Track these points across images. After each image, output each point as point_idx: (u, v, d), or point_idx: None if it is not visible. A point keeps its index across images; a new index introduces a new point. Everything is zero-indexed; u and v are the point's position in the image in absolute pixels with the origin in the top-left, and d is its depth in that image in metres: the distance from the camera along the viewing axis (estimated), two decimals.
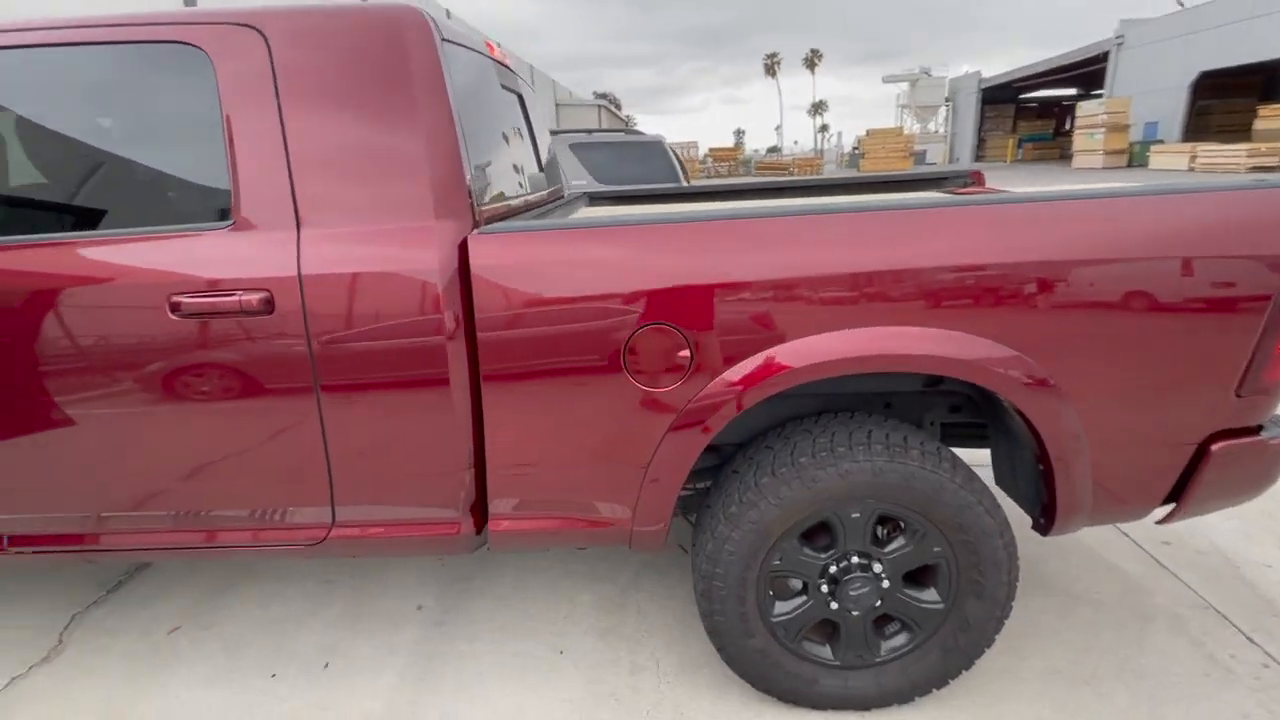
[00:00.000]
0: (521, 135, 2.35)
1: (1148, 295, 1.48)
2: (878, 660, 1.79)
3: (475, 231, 1.55)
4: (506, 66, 2.27)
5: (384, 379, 1.58)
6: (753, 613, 1.73)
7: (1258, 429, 1.62)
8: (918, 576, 1.76)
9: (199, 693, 1.99)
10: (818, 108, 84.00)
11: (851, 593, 1.70)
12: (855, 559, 1.70)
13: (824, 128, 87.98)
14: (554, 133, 6.48)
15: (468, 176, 1.60)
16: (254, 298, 1.52)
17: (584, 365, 1.55)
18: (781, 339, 1.51)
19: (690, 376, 1.54)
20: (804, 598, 1.75)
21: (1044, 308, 1.48)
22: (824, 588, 1.72)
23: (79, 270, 1.57)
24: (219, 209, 1.58)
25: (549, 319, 1.52)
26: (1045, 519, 1.73)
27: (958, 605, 1.72)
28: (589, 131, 6.57)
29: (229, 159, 1.55)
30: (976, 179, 3.05)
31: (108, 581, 2.54)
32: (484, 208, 1.70)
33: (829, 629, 1.80)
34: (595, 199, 3.14)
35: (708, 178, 41.86)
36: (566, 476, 1.67)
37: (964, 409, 2.00)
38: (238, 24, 1.54)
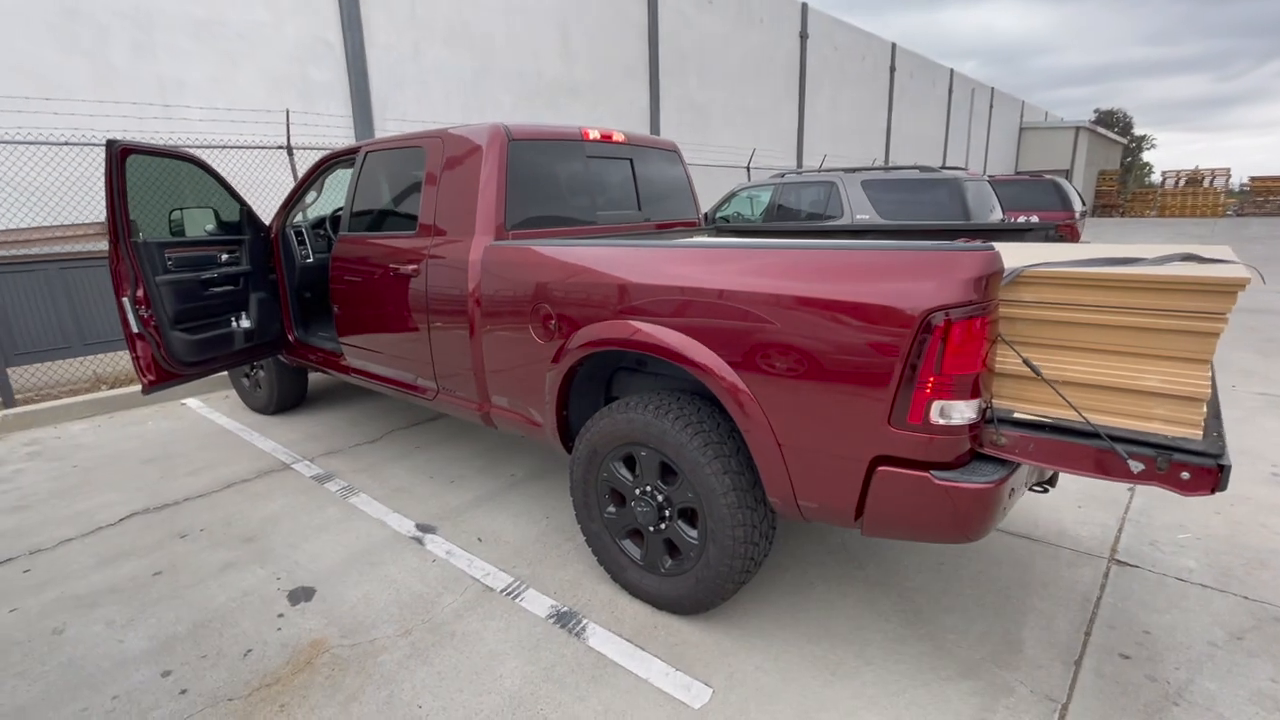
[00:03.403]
0: (613, 186, 3.51)
1: (810, 331, 1.87)
2: (662, 571, 2.45)
3: (491, 242, 2.86)
4: (610, 141, 3.46)
5: (452, 319, 3.03)
6: (593, 505, 2.61)
7: (927, 465, 1.76)
8: (694, 518, 2.36)
9: (407, 478, 3.84)
10: None
11: (638, 509, 2.43)
12: (648, 488, 2.42)
13: None
14: (850, 170, 7.04)
15: (501, 215, 2.91)
16: (412, 267, 3.16)
17: (516, 323, 2.71)
18: (590, 321, 2.41)
19: (554, 335, 2.56)
20: (622, 507, 2.54)
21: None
22: (632, 505, 2.49)
23: (381, 248, 3.45)
24: (413, 222, 3.26)
25: (506, 292, 2.74)
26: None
27: (707, 546, 2.27)
28: (885, 169, 6.88)
29: (422, 199, 3.21)
30: (1067, 232, 2.84)
31: (419, 420, 4.72)
32: (516, 230, 2.97)
33: (642, 537, 2.54)
34: (721, 231, 4.00)
35: (1237, 216, 31.77)
36: (513, 390, 2.86)
37: None
38: (434, 136, 3.18)
